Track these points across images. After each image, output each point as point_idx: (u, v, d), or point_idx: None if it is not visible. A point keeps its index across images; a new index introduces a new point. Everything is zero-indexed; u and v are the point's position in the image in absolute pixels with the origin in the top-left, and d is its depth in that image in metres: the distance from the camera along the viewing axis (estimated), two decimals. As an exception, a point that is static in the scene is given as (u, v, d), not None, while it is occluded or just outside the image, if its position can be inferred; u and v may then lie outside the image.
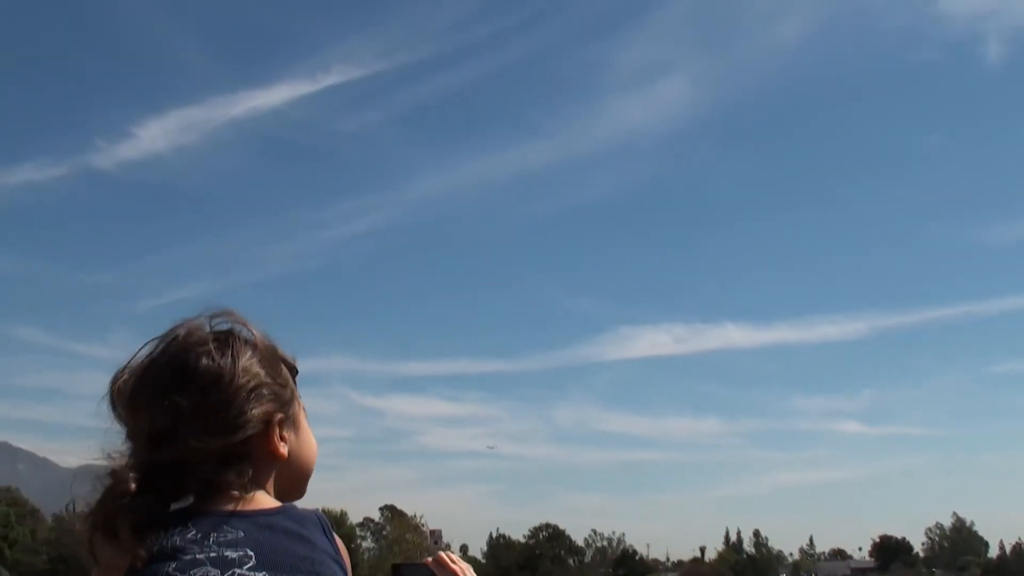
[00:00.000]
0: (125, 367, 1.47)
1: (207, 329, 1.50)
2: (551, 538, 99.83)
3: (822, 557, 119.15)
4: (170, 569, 1.32)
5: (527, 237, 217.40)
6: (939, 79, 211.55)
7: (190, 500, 1.42)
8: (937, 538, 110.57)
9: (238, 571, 1.33)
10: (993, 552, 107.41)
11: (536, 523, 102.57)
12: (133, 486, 1.37)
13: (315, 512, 1.48)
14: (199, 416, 1.39)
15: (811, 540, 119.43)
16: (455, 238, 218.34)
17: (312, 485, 1.58)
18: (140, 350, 1.48)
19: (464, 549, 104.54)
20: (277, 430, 1.48)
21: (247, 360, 1.47)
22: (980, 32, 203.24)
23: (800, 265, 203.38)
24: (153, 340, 1.49)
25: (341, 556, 1.46)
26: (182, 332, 1.48)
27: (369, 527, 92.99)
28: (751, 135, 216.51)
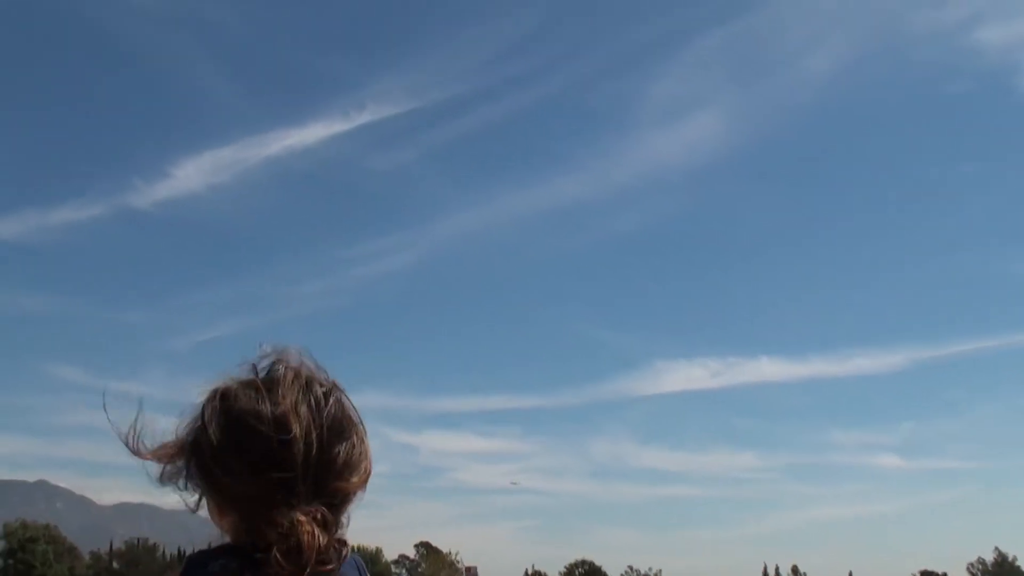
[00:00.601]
0: (268, 403, 1.47)
1: (303, 372, 1.54)
2: (587, 575, 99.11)
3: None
4: None
5: (560, 271, 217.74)
6: (973, 110, 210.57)
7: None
8: (979, 573, 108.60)
9: None
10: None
11: (572, 559, 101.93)
12: None
13: (353, 556, 1.57)
14: (344, 461, 1.49)
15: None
16: (488, 273, 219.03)
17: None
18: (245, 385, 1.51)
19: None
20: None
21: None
22: (1013, 63, 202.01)
23: (834, 298, 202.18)
24: (248, 374, 1.52)
25: None
26: (307, 378, 1.53)
27: (404, 564, 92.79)
28: (783, 168, 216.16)
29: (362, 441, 1.54)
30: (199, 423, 1.50)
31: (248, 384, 1.51)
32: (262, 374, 1.52)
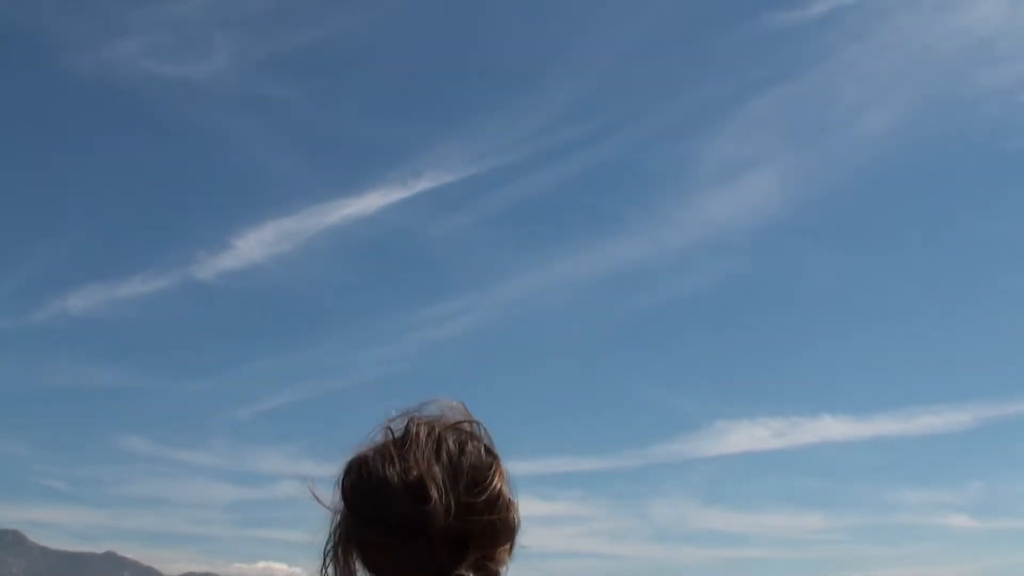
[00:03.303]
0: (418, 465, 1.40)
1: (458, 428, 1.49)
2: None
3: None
4: None
5: (620, 334, 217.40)
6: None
7: None
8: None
9: None
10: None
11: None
12: None
13: None
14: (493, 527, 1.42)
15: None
16: (548, 336, 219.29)
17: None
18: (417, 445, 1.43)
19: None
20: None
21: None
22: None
23: (899, 356, 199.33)
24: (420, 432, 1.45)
25: None
26: (440, 433, 1.46)
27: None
28: (843, 227, 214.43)
29: (502, 492, 1.43)
30: (339, 500, 1.44)
31: (381, 450, 1.44)
32: (397, 434, 1.46)
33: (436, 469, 1.39)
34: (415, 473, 1.38)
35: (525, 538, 1.48)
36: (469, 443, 1.46)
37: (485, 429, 1.50)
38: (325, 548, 1.46)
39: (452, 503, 1.37)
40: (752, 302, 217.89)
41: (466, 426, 1.49)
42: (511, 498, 1.46)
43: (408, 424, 1.46)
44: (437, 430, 1.45)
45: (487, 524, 1.40)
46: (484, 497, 1.40)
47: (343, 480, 1.44)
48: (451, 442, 1.44)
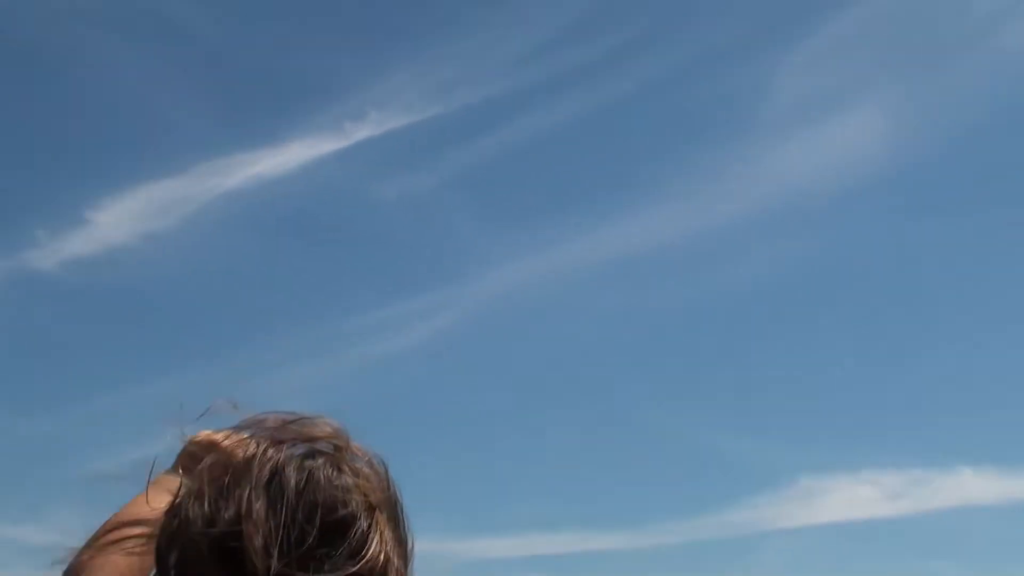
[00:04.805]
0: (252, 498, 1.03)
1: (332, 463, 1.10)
2: None
3: None
4: None
5: (646, 346, 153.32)
6: None
7: None
8: None
9: None
10: None
11: None
12: None
13: None
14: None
15: None
16: (544, 348, 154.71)
17: None
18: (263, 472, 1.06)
19: None
20: None
21: (387, 531, 1.11)
22: None
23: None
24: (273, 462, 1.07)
25: None
26: (276, 462, 1.07)
27: None
28: (977, 194, 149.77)
29: (371, 542, 1.06)
30: (164, 536, 1.08)
31: (196, 482, 1.09)
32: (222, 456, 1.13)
33: (259, 507, 1.03)
34: (230, 514, 1.04)
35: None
36: (325, 471, 1.09)
37: (370, 454, 1.15)
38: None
39: (278, 557, 1.01)
40: (841, 300, 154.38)
41: (326, 447, 1.12)
42: (392, 554, 1.09)
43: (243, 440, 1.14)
44: (277, 453, 1.09)
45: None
46: (339, 548, 1.05)
47: (170, 522, 1.08)
48: (292, 470, 1.07)
